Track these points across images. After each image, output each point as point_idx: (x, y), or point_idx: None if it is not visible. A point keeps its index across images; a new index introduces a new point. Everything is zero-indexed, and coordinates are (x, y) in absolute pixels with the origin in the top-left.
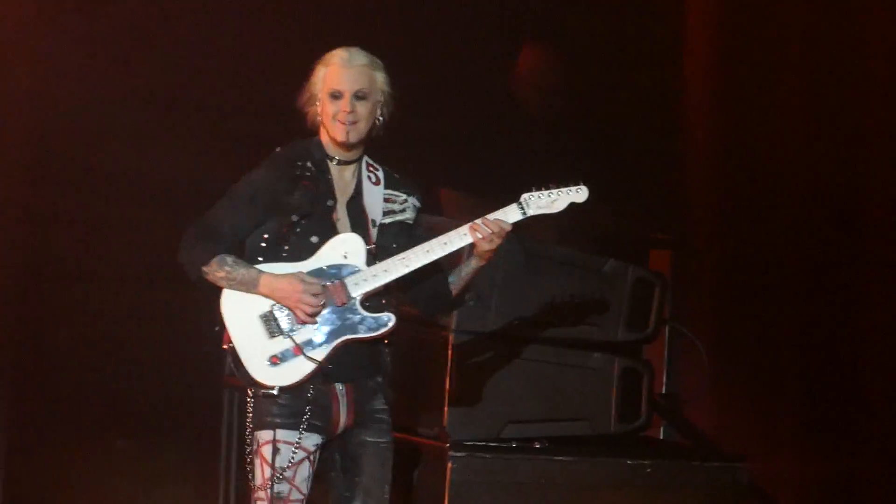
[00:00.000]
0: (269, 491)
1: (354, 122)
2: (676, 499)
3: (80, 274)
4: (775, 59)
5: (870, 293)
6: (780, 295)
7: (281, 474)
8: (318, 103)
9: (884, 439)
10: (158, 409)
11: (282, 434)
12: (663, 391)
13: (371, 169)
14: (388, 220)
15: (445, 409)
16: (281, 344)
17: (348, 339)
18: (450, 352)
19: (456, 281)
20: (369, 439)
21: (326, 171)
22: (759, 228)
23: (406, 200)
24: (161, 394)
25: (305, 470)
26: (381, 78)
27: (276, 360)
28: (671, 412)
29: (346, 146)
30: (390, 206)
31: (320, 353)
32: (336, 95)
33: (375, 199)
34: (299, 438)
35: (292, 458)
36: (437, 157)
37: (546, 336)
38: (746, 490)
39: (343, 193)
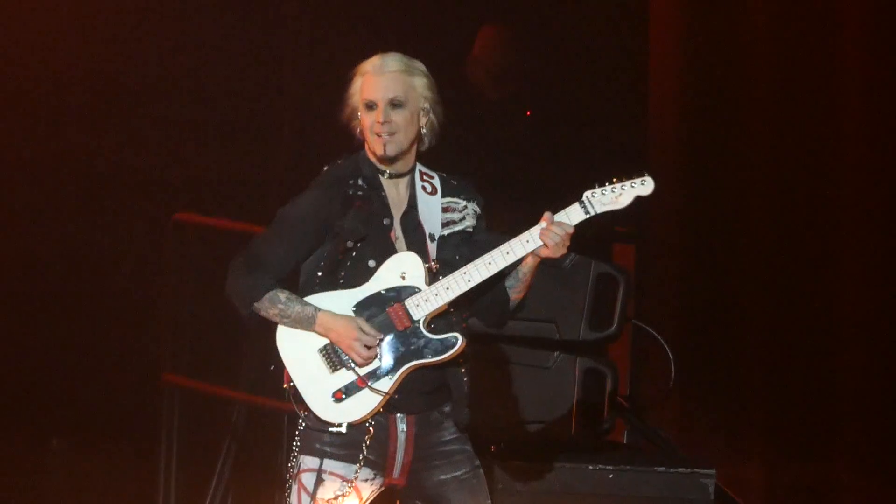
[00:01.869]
0: None
1: (392, 134)
2: None
3: (12, 269)
4: (744, 51)
5: (840, 293)
6: (749, 293)
7: None
8: (359, 116)
9: (853, 445)
10: (95, 408)
11: (330, 465)
12: (627, 393)
13: (425, 178)
14: (447, 232)
15: None
16: (344, 377)
17: (415, 366)
18: None
19: (515, 285)
20: (445, 477)
21: (380, 187)
22: (727, 223)
23: (466, 207)
24: (97, 392)
25: None
26: (420, 83)
27: (339, 396)
28: (635, 415)
29: (388, 159)
30: (450, 216)
31: (386, 384)
32: (370, 105)
33: (433, 210)
34: (353, 471)
35: (339, 491)
36: None
37: (503, 334)
38: (713, 497)
39: (398, 209)
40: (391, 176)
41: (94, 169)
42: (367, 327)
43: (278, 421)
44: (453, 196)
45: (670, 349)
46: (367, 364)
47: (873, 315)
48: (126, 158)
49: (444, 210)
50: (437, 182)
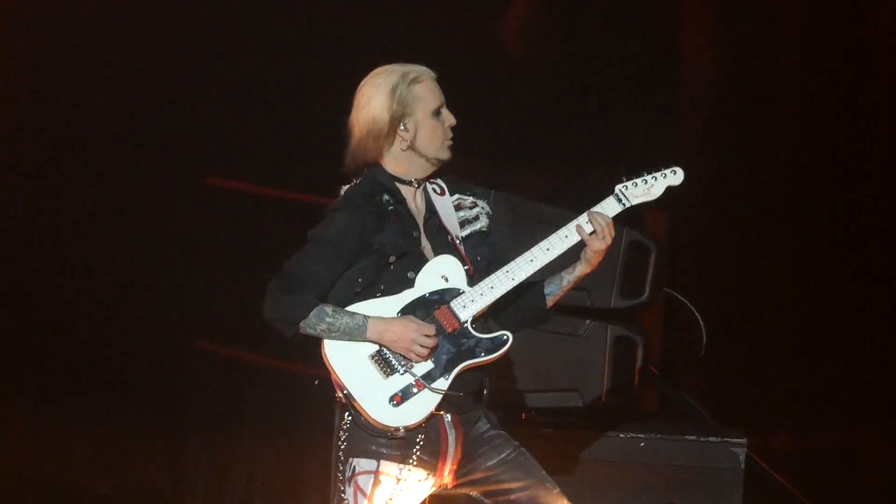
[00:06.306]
0: None
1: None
2: (670, 474)
3: (40, 232)
4: (778, 17)
5: (871, 260)
6: (780, 262)
7: None
8: (405, 126)
9: (883, 413)
10: (124, 373)
11: (386, 467)
12: (658, 361)
13: (430, 181)
14: (465, 233)
15: None
16: (400, 381)
17: (469, 365)
18: None
19: (555, 291)
20: (492, 462)
21: (404, 200)
22: (759, 191)
23: (475, 204)
24: (127, 358)
25: None
26: None
27: (398, 399)
28: (666, 383)
29: (439, 165)
30: (463, 214)
31: (443, 383)
32: (438, 112)
33: (448, 211)
34: (407, 472)
35: (395, 492)
36: None
37: None
38: (743, 466)
39: (419, 218)
40: (419, 183)
41: (123, 132)
42: (422, 325)
43: (304, 386)
44: (461, 193)
45: (702, 317)
46: (423, 365)
47: None
48: (156, 122)
49: (456, 209)
50: (440, 182)
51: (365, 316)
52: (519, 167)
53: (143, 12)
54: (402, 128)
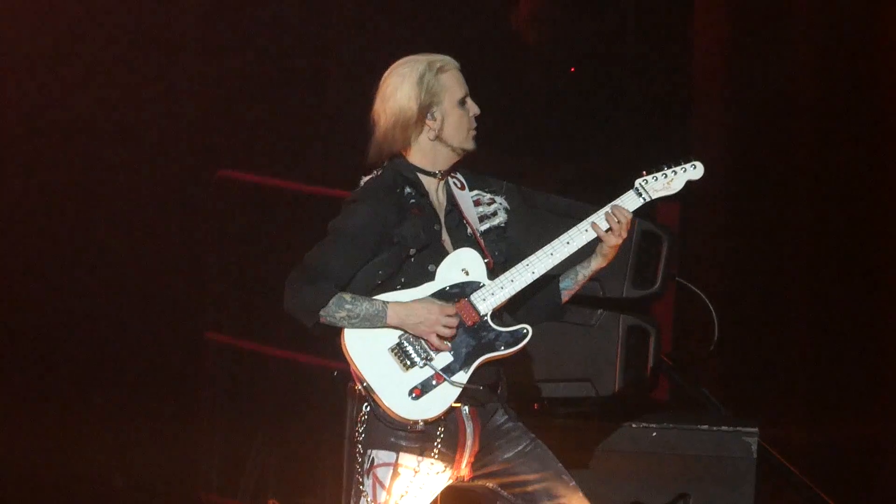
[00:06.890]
0: None
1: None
2: (683, 464)
3: (53, 226)
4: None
5: (887, 250)
6: (793, 253)
7: (398, 502)
8: (433, 116)
9: None
10: (137, 366)
11: (405, 459)
12: (671, 351)
13: (451, 175)
14: (484, 227)
15: None
16: (419, 374)
17: (489, 358)
18: None
19: (571, 286)
20: (509, 454)
21: (426, 193)
22: (772, 181)
23: (493, 201)
24: (140, 350)
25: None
26: None
27: (418, 392)
28: (678, 373)
29: (465, 155)
30: (481, 209)
31: (462, 377)
32: (463, 102)
33: (468, 206)
34: (426, 464)
35: (415, 486)
36: None
37: None
38: (755, 455)
39: (441, 211)
40: (442, 175)
41: (136, 125)
42: (443, 305)
43: (317, 378)
44: (480, 189)
45: (714, 307)
46: (443, 358)
47: None
48: (169, 115)
49: (475, 204)
50: (460, 176)
51: (384, 301)
52: (531, 158)
53: (156, 4)
54: (429, 117)
